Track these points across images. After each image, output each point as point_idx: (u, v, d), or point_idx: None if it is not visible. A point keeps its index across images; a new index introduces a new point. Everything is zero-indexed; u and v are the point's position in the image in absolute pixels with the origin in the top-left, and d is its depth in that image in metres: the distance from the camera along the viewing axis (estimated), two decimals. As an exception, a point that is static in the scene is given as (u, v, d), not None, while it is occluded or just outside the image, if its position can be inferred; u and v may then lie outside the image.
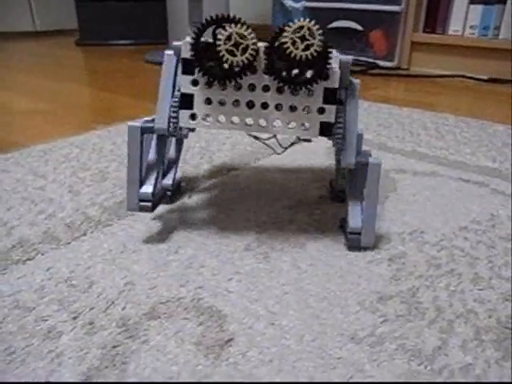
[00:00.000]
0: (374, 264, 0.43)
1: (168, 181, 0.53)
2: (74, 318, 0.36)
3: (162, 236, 0.48)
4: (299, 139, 0.49)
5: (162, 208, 0.53)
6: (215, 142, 0.76)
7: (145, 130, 0.43)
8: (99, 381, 0.30)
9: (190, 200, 0.55)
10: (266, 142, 0.50)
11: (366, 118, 0.90)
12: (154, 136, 0.47)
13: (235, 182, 0.60)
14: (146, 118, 0.44)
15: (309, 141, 0.55)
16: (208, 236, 0.48)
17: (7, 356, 0.32)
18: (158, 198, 0.47)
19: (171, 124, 0.42)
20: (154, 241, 0.47)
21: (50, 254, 0.44)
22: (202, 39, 0.39)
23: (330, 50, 0.38)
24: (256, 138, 0.49)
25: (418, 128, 0.84)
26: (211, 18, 0.38)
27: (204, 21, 0.38)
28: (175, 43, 0.41)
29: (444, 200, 0.55)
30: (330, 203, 0.55)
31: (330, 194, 0.56)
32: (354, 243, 0.44)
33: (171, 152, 0.55)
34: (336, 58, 0.39)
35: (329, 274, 0.42)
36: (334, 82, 0.39)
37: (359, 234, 0.43)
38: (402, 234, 0.48)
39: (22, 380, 0.30)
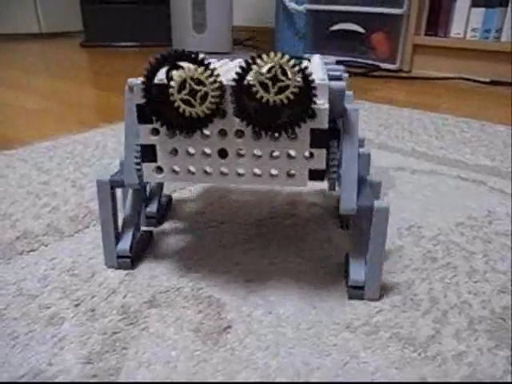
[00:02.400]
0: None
1: (152, 208, 0.49)
2: (76, 306, 0.37)
3: (161, 229, 0.49)
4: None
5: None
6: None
7: (115, 185, 0.39)
8: (102, 380, 0.31)
9: (186, 206, 0.56)
10: None
11: (367, 117, 0.91)
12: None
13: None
14: (116, 170, 0.41)
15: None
16: (207, 230, 0.48)
17: (11, 340, 0.33)
18: (139, 250, 0.43)
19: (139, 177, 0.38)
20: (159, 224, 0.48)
21: (54, 246, 0.45)
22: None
23: (312, 85, 0.31)
24: None
25: (417, 128, 0.84)
26: (163, 56, 0.32)
27: (156, 58, 0.32)
28: (131, 80, 0.35)
29: (442, 197, 0.56)
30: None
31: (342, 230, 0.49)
32: (356, 298, 0.38)
33: None
34: (324, 89, 0.32)
35: (326, 266, 0.42)
36: (322, 122, 0.33)
37: (362, 288, 0.37)
38: (399, 229, 0.49)
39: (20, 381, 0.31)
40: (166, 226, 0.49)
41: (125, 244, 0.41)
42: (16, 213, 0.51)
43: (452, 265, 0.42)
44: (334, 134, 0.35)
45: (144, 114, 0.34)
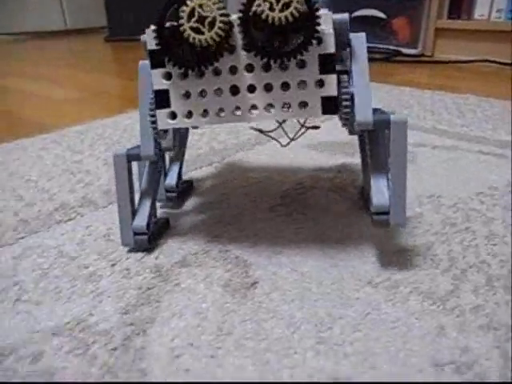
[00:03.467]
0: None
1: (171, 181, 0.50)
2: (112, 265, 0.39)
3: (190, 196, 0.51)
4: (306, 128, 0.44)
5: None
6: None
7: (131, 158, 0.40)
8: (138, 329, 0.33)
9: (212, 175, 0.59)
10: (271, 133, 0.44)
11: (387, 99, 0.91)
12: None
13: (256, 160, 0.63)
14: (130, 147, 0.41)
15: (317, 128, 0.46)
16: (230, 200, 0.51)
17: (55, 294, 0.36)
18: (157, 228, 0.43)
19: (156, 141, 0.39)
20: (183, 201, 0.50)
21: (89, 216, 0.48)
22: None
23: (316, 7, 0.32)
24: (260, 131, 0.45)
25: (439, 108, 0.85)
26: None
27: (165, 2, 0.33)
28: (143, 36, 0.35)
29: (462, 170, 0.57)
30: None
31: (363, 203, 0.48)
32: (382, 224, 0.36)
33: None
34: (327, 18, 0.33)
35: (349, 231, 0.44)
36: (330, 46, 0.33)
37: (387, 213, 0.36)
38: (419, 197, 0.50)
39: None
40: (189, 201, 0.52)
41: (141, 221, 0.41)
42: (53, 188, 0.54)
43: (471, 229, 0.43)
44: (343, 71, 0.35)
45: (156, 60, 0.35)
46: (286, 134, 0.45)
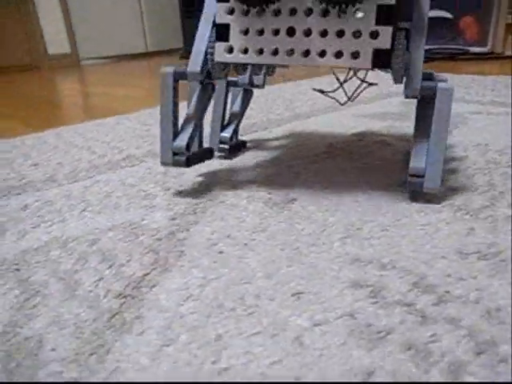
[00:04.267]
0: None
1: (226, 133, 0.52)
2: (166, 190, 0.44)
3: (242, 152, 0.55)
4: (365, 83, 0.45)
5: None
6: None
7: (178, 76, 0.40)
8: (183, 229, 0.37)
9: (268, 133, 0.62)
10: (330, 94, 0.47)
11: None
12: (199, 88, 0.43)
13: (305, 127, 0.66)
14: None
15: (374, 84, 0.47)
16: (284, 150, 0.54)
17: (114, 208, 0.41)
18: (199, 153, 0.44)
19: (208, 64, 0.39)
20: (235, 154, 0.54)
21: (151, 162, 0.53)
22: None
23: None
24: (321, 91, 0.47)
25: (500, 87, 0.83)
26: None
27: None
28: None
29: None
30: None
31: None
32: (416, 187, 0.36)
33: (236, 105, 0.54)
34: None
35: (390, 166, 0.45)
36: None
37: (422, 176, 0.36)
38: (466, 146, 0.50)
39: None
40: (241, 155, 0.55)
41: (181, 141, 0.40)
42: (122, 146, 0.61)
43: (517, 166, 0.43)
44: (401, 30, 0.35)
45: None
46: (346, 93, 0.46)
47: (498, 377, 0.20)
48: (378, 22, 0.33)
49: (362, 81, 0.45)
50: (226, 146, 0.53)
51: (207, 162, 0.48)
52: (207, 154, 0.46)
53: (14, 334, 0.24)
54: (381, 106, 0.73)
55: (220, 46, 0.38)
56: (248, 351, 0.22)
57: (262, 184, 0.43)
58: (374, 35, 0.34)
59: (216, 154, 0.52)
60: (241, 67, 0.43)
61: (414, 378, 0.20)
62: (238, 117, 0.54)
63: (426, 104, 0.37)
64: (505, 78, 0.92)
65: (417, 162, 0.36)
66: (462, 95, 0.78)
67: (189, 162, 0.41)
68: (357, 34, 0.34)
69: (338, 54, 0.35)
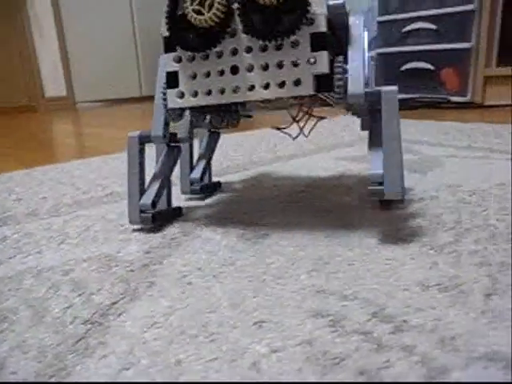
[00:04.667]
0: (405, 203, 0.47)
1: (195, 174, 0.53)
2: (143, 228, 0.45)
3: (216, 192, 0.56)
4: (317, 118, 0.46)
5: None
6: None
7: (143, 139, 0.43)
8: (155, 262, 0.38)
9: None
10: (285, 129, 0.47)
11: (426, 129, 0.93)
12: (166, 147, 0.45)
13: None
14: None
15: (323, 118, 0.47)
16: (257, 191, 0.55)
17: (92, 241, 0.42)
18: (167, 211, 0.46)
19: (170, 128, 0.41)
20: (209, 195, 0.55)
21: (132, 198, 0.54)
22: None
23: None
24: (277, 128, 0.48)
25: (477, 134, 0.86)
26: None
27: None
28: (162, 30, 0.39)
29: (486, 170, 0.58)
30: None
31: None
32: (377, 194, 0.37)
33: (203, 147, 0.55)
34: (321, 2, 0.35)
35: (362, 203, 0.46)
36: (320, 26, 0.35)
37: (382, 183, 0.37)
38: (438, 186, 0.51)
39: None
40: (215, 196, 0.57)
41: (147, 199, 0.42)
42: (107, 183, 0.62)
43: (484, 205, 0.44)
44: (340, 51, 0.37)
45: (169, 45, 0.38)
46: (300, 128, 0.46)
47: (445, 401, 0.20)
48: (313, 49, 0.35)
49: (310, 115, 0.45)
50: (197, 187, 0.53)
51: (184, 201, 0.49)
52: (176, 212, 0.47)
53: (-23, 358, 0.25)
54: (361, 150, 0.76)
55: (171, 93, 0.39)
56: (205, 376, 0.23)
57: (237, 221, 0.44)
58: (312, 61, 0.36)
59: (188, 196, 0.53)
60: (200, 119, 0.44)
61: (364, 401, 0.20)
62: (205, 157, 0.55)
63: (378, 116, 0.38)
64: (482, 125, 0.96)
65: (374, 169, 0.37)
66: (440, 140, 0.81)
67: (155, 220, 0.43)
68: (296, 63, 0.36)
69: (282, 85, 0.36)
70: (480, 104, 1.37)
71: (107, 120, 1.67)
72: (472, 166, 0.61)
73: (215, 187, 0.57)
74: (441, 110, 1.34)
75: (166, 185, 0.45)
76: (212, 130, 0.56)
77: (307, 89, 0.36)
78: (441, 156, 0.68)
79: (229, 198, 0.53)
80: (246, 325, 0.27)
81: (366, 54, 0.39)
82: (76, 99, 2.31)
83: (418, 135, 0.87)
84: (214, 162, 0.71)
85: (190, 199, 0.53)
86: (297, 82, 0.36)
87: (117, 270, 0.35)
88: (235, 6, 0.36)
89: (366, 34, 0.40)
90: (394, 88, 0.37)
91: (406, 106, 1.37)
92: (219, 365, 0.23)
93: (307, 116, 0.45)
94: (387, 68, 1.53)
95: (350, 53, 0.38)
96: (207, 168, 0.55)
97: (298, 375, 0.22)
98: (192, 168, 0.54)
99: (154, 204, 0.42)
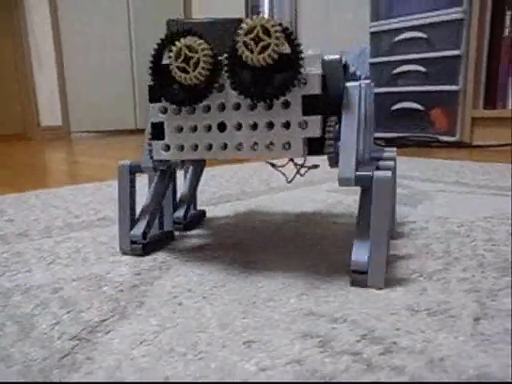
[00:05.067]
0: (394, 234, 0.47)
1: (179, 213, 0.51)
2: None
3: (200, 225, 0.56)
4: (308, 167, 0.43)
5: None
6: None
7: (133, 169, 0.42)
8: (145, 283, 0.38)
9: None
10: (281, 169, 0.45)
11: (415, 166, 0.95)
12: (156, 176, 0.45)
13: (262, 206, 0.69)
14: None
15: (316, 166, 0.44)
16: (246, 223, 0.55)
17: (82, 261, 0.41)
18: (159, 237, 0.45)
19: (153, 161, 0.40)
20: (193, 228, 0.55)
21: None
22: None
23: (299, 49, 0.32)
24: (272, 164, 0.46)
25: (465, 171, 0.88)
26: (165, 37, 0.35)
27: (158, 43, 0.35)
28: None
29: (474, 204, 0.59)
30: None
31: None
32: (359, 283, 0.34)
33: (186, 184, 0.54)
34: (316, 59, 0.33)
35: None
36: (314, 88, 0.33)
37: (365, 272, 0.34)
38: (428, 218, 0.52)
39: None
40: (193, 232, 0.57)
41: (138, 229, 0.42)
42: (99, 208, 0.62)
43: (472, 236, 0.45)
44: (333, 112, 0.35)
45: (154, 94, 0.37)
46: (298, 171, 0.44)
47: (434, 419, 0.20)
48: (305, 113, 0.33)
49: (301, 166, 0.44)
50: (181, 226, 0.51)
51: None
52: (168, 236, 0.47)
53: (-40, 371, 0.24)
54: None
55: (157, 145, 0.38)
56: (193, 392, 0.22)
57: (228, 247, 0.45)
58: (303, 125, 0.34)
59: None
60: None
61: (353, 419, 0.20)
62: (187, 198, 0.53)
63: (368, 193, 0.34)
64: (470, 163, 0.98)
65: (357, 256, 0.34)
66: (429, 176, 0.82)
67: (145, 250, 0.43)
68: (286, 125, 0.34)
69: (270, 146, 0.35)
70: (468, 144, 1.40)
71: (101, 150, 1.68)
72: (460, 200, 0.62)
73: (199, 218, 0.55)
74: (430, 149, 1.37)
75: (157, 212, 0.45)
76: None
77: (297, 152, 0.34)
78: (430, 191, 0.69)
79: (220, 227, 0.53)
80: (236, 344, 0.27)
81: (362, 115, 0.36)
82: (71, 129, 2.33)
83: (409, 171, 0.89)
84: (205, 192, 0.72)
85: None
86: (286, 144, 0.35)
87: (106, 289, 0.35)
88: (223, 58, 0.34)
89: (362, 104, 0.36)
90: (388, 175, 0.33)
91: (396, 145, 1.40)
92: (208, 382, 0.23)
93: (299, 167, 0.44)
94: (379, 107, 1.57)
95: (342, 125, 0.35)
96: (191, 203, 0.54)
97: (286, 393, 0.22)
98: (175, 205, 0.52)
99: (144, 235, 0.42)
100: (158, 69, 0.36)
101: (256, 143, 0.35)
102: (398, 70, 1.51)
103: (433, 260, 0.39)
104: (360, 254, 0.34)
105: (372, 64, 1.58)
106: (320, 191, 0.72)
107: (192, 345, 0.27)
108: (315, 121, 0.33)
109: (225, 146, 0.36)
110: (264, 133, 0.35)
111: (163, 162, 0.40)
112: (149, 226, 0.43)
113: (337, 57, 0.34)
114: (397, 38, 1.50)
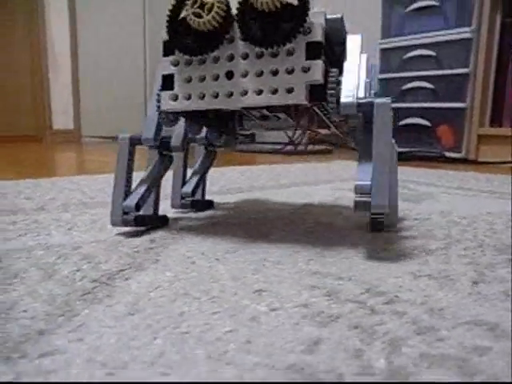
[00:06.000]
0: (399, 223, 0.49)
1: (187, 189, 0.52)
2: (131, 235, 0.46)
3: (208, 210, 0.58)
4: (315, 133, 0.45)
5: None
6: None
7: (134, 141, 0.44)
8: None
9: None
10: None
11: (421, 174, 0.97)
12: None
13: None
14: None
15: (329, 151, 0.48)
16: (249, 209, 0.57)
17: (99, 230, 0.43)
18: (151, 216, 0.45)
19: (162, 133, 0.41)
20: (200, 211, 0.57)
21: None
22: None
23: (306, 1, 0.34)
24: (275, 151, 0.49)
25: (468, 178, 0.89)
26: None
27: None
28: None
29: (476, 203, 0.60)
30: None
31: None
32: (362, 207, 0.36)
33: (197, 164, 0.55)
34: (319, 14, 0.36)
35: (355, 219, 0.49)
36: (317, 35, 0.35)
37: (368, 194, 0.35)
38: (431, 211, 0.54)
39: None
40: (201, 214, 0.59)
41: (131, 201, 0.42)
42: (112, 192, 0.64)
43: (474, 226, 0.47)
44: (335, 65, 0.37)
45: (168, 49, 0.39)
46: (291, 140, 0.46)
47: (436, 349, 0.22)
48: (308, 58, 0.35)
49: (312, 131, 0.46)
50: (188, 202, 0.52)
51: (174, 214, 0.51)
52: (161, 220, 0.47)
53: (-10, 298, 0.26)
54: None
55: (165, 95, 0.39)
56: (207, 323, 0.24)
57: (238, 224, 0.46)
58: (306, 70, 0.35)
59: (178, 210, 0.53)
60: (195, 130, 0.45)
61: (357, 348, 0.22)
62: (198, 173, 0.54)
63: (369, 127, 0.37)
64: (474, 173, 1.00)
65: (361, 180, 0.36)
66: (433, 182, 0.84)
67: (137, 222, 0.42)
68: (290, 71, 0.36)
69: (274, 92, 0.36)
70: (474, 160, 1.42)
71: (110, 152, 1.71)
72: (463, 200, 0.64)
73: (207, 205, 0.56)
74: (437, 164, 1.39)
75: (153, 190, 0.45)
76: (208, 147, 0.55)
77: (300, 97, 0.36)
78: (434, 192, 0.71)
79: (230, 209, 0.55)
80: (247, 292, 0.28)
81: (363, 71, 0.39)
82: (82, 133, 2.37)
83: (414, 177, 0.91)
84: (215, 184, 0.74)
85: (182, 215, 0.54)
86: (290, 90, 0.36)
87: (123, 249, 0.37)
88: (234, 11, 0.36)
89: (364, 56, 0.40)
90: (387, 100, 0.37)
91: (403, 158, 1.42)
92: (220, 318, 0.25)
93: (304, 134, 0.47)
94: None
95: (345, 65, 0.39)
96: (200, 183, 0.54)
97: (294, 327, 0.24)
98: (184, 183, 0.53)
99: (138, 206, 0.42)
100: (174, 23, 0.37)
101: (261, 90, 0.36)
102: (407, 86, 1.55)
103: (435, 241, 0.41)
104: (362, 177, 0.36)
105: (381, 80, 1.62)
106: (327, 189, 0.73)
107: (205, 291, 0.28)
108: (317, 65, 0.35)
109: (231, 94, 0.37)
110: (269, 79, 0.36)
111: (168, 120, 0.41)
112: (143, 199, 0.42)
113: (339, 16, 0.37)
114: (406, 56, 1.54)
